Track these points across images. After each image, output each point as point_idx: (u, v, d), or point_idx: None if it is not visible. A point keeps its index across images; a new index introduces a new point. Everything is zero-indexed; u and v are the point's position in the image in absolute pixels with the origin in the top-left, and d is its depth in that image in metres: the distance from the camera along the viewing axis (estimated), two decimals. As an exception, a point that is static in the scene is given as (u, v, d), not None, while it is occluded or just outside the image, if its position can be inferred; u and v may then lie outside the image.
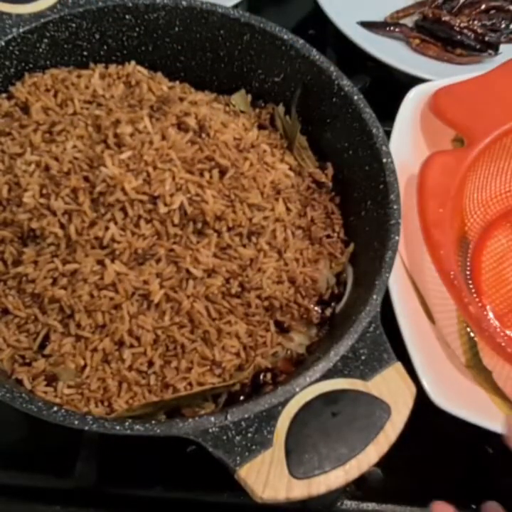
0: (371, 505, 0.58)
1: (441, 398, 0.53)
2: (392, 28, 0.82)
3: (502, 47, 0.81)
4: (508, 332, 0.64)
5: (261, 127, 0.61)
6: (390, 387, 0.45)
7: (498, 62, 0.69)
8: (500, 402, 0.57)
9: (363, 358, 0.46)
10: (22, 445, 0.60)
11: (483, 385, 0.58)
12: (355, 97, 0.56)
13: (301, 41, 0.58)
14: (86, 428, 0.42)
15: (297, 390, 0.45)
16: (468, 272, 0.66)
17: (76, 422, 0.42)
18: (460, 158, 0.60)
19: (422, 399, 0.52)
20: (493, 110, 0.62)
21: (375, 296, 0.48)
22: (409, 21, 0.83)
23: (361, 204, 0.57)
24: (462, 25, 0.80)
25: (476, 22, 0.81)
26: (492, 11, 0.83)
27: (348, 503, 0.58)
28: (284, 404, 0.44)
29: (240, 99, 0.63)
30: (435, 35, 0.80)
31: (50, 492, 0.58)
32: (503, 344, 0.53)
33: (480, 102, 0.62)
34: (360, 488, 0.58)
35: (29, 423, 0.59)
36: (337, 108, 0.57)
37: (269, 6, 0.61)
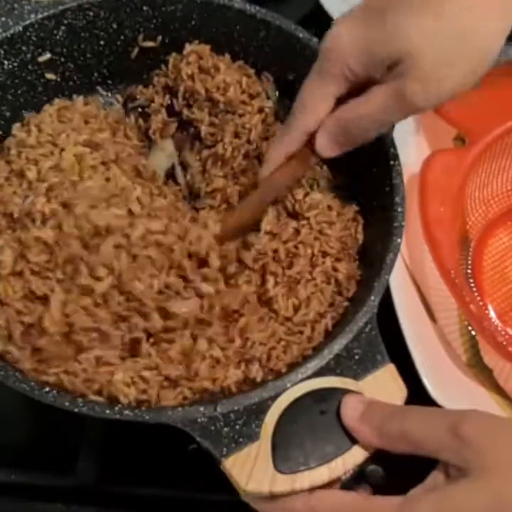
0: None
1: (443, 397, 0.53)
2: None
3: (504, 45, 0.80)
4: (509, 330, 0.64)
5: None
6: (382, 388, 0.45)
7: (500, 61, 0.68)
8: (501, 401, 0.57)
9: (356, 357, 0.46)
10: (23, 443, 0.60)
11: (484, 383, 0.58)
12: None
13: (316, 40, 0.58)
14: (76, 410, 0.42)
15: (288, 385, 0.45)
16: (469, 271, 0.66)
17: (67, 404, 0.42)
18: (461, 157, 0.60)
19: (423, 397, 0.53)
20: (494, 108, 0.62)
21: (372, 298, 0.48)
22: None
23: (366, 206, 0.57)
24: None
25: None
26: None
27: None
28: (274, 398, 0.44)
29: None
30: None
31: (51, 490, 0.58)
32: (504, 343, 0.53)
33: (481, 100, 0.62)
34: (361, 485, 0.58)
35: (30, 421, 0.60)
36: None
37: (270, 4, 0.61)
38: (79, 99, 0.61)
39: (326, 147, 0.49)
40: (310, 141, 0.50)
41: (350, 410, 0.43)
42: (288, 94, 0.61)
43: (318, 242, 0.54)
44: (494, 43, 0.44)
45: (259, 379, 0.49)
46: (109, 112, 0.62)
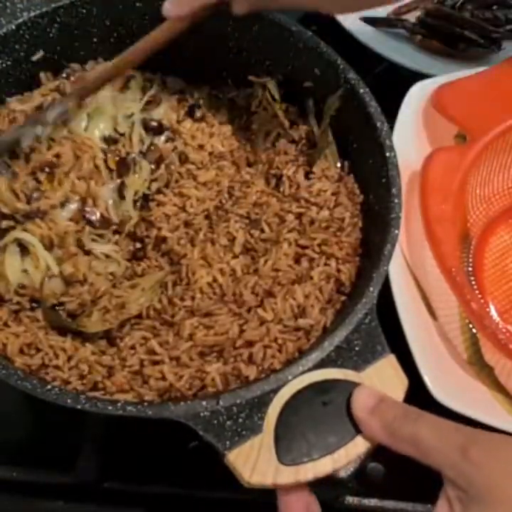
0: (373, 501, 0.58)
1: (443, 395, 0.53)
2: (394, 23, 0.81)
3: (505, 43, 0.81)
4: (510, 328, 0.64)
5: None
6: (383, 378, 0.45)
7: (501, 58, 0.69)
8: (502, 399, 0.57)
9: (356, 349, 0.46)
10: (24, 441, 0.60)
11: (485, 381, 0.58)
12: (361, 90, 0.56)
13: (309, 33, 0.58)
14: (78, 407, 0.42)
15: (290, 378, 0.45)
16: (470, 269, 0.66)
17: (69, 401, 0.42)
18: (462, 155, 0.60)
19: (423, 395, 0.53)
20: (495, 106, 0.62)
21: (371, 289, 0.48)
22: (411, 17, 0.83)
23: (363, 198, 0.57)
24: (465, 20, 0.79)
25: (479, 16, 0.80)
26: (495, 7, 0.82)
27: (350, 499, 0.58)
28: (275, 391, 0.44)
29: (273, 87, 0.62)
30: (438, 31, 0.80)
31: (52, 487, 0.58)
32: (504, 341, 0.53)
33: (482, 98, 0.62)
34: (362, 484, 0.58)
35: (31, 419, 0.60)
36: (343, 100, 0.57)
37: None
38: None
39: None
40: None
41: (362, 402, 0.43)
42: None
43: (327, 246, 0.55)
44: None
45: (252, 377, 0.49)
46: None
